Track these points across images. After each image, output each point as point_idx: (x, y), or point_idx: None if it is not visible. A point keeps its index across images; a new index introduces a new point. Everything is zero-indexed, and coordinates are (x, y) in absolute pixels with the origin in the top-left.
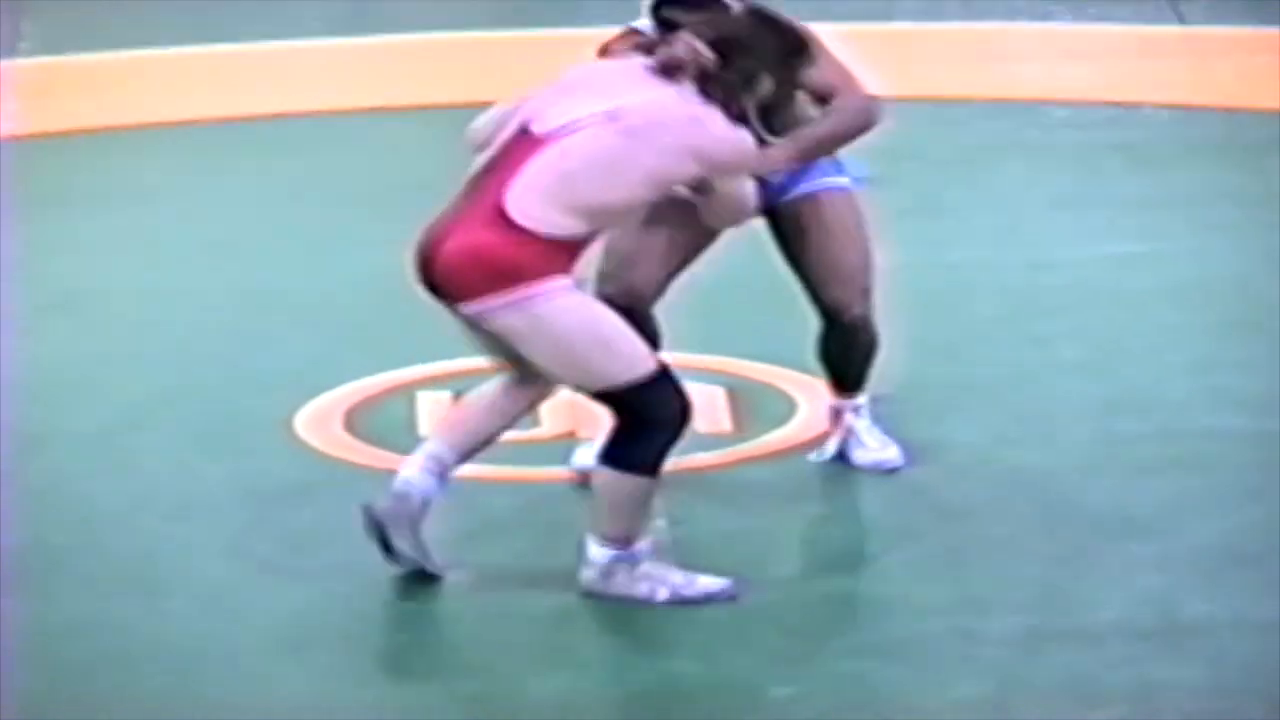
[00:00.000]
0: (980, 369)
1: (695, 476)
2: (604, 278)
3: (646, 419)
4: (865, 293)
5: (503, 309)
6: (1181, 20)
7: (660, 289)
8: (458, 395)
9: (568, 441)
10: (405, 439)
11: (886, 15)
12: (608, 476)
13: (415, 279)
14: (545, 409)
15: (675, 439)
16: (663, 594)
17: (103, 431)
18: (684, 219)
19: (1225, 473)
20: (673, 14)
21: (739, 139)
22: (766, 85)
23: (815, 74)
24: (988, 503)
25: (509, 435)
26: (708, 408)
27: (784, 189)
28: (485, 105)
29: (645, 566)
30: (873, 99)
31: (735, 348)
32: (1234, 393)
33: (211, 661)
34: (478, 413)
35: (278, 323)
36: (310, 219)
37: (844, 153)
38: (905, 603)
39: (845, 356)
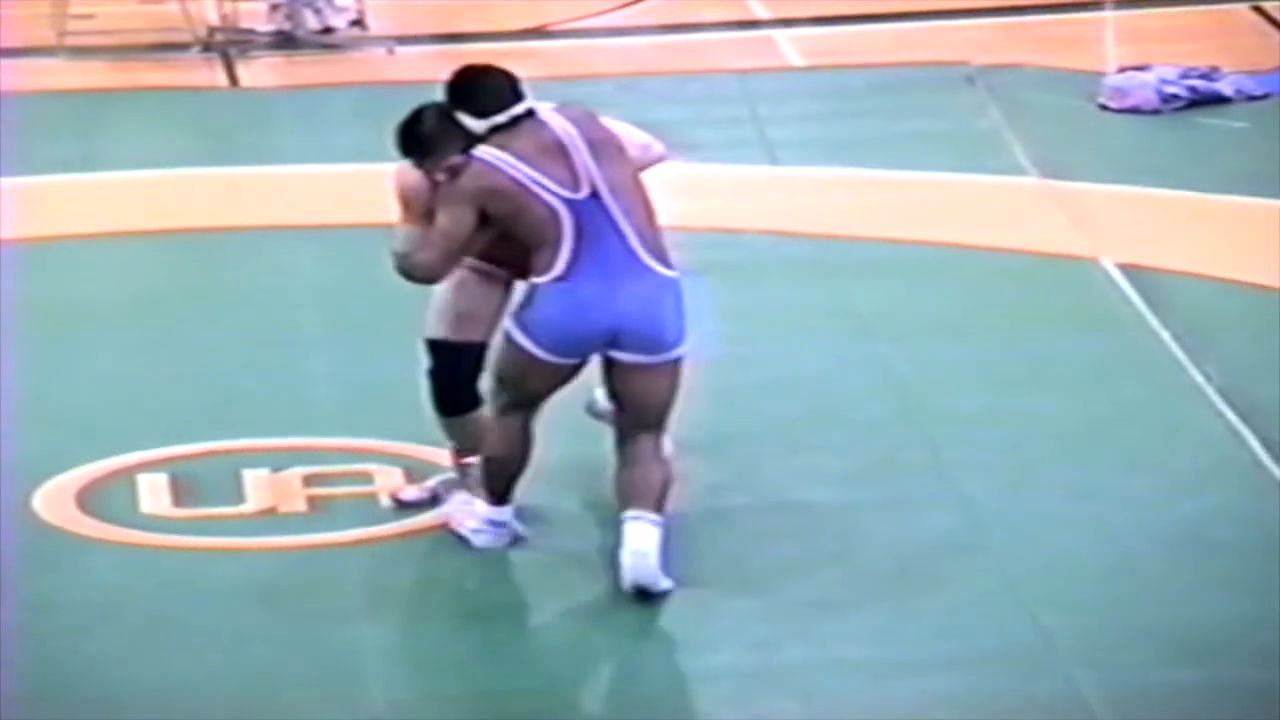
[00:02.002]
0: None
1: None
2: None
3: None
4: None
5: None
6: (775, 163)
7: None
8: (174, 478)
9: (270, 518)
10: (129, 515)
11: None
12: None
13: None
14: (248, 487)
15: None
16: None
17: None
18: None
19: (817, 538)
20: None
21: None
22: None
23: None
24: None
25: (219, 511)
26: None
27: None
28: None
29: None
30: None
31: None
32: (823, 471)
33: None
34: None
35: (7, 416)
36: (28, 329)
37: None
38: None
39: None
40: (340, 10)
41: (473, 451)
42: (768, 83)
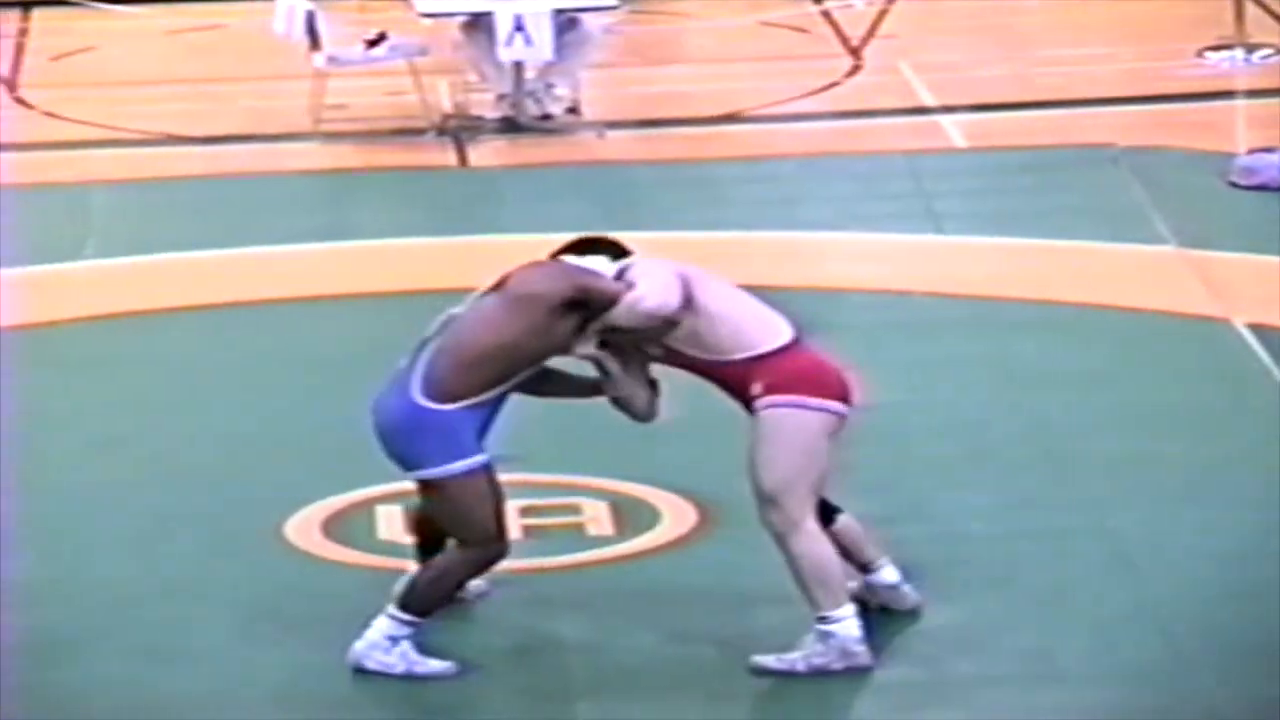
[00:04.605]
0: None
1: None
2: None
3: None
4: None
5: None
6: (941, 232)
7: None
8: (408, 509)
9: None
10: (368, 541)
11: (716, 225)
12: None
13: None
14: None
15: None
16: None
17: (134, 539)
18: None
19: (976, 565)
20: None
21: None
22: None
23: None
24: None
25: None
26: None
27: None
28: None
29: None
30: None
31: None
32: (981, 505)
33: (219, 711)
34: None
35: (263, 455)
36: (282, 378)
37: None
38: None
39: None
40: (558, 99)
41: None
42: (934, 162)
